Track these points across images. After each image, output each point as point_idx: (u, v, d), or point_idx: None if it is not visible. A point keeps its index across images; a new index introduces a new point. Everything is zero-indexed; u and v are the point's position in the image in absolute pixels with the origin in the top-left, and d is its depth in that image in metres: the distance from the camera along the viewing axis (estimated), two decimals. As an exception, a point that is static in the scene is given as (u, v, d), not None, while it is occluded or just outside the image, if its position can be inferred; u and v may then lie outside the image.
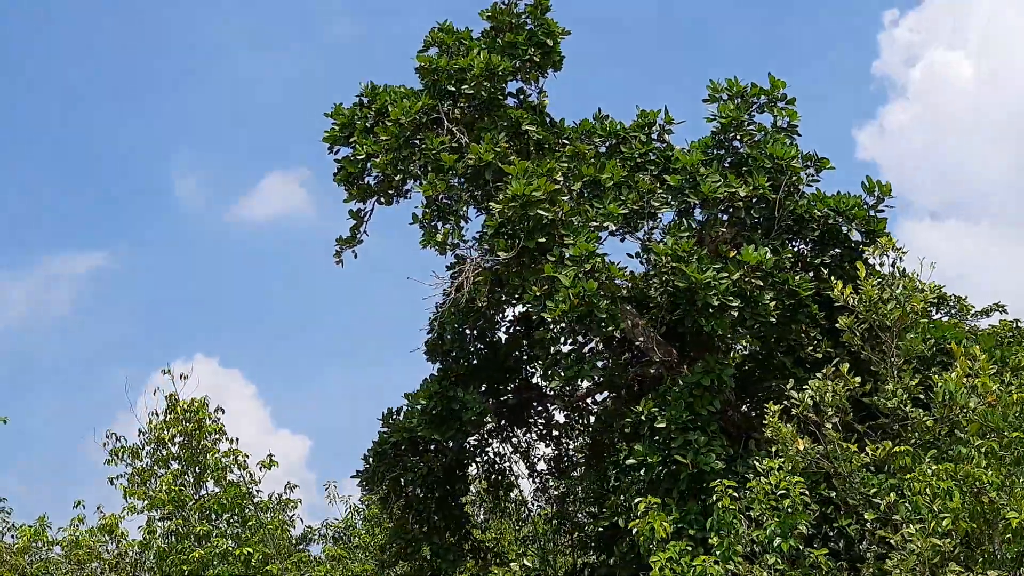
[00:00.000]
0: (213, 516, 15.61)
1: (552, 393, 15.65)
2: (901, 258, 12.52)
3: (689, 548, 10.83)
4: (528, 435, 17.69)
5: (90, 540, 18.83)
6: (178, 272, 50.75)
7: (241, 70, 50.19)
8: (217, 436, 16.65)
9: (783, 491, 10.37)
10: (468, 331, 15.96)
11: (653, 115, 14.89)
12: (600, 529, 14.34)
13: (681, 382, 13.09)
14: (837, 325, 12.58)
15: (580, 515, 17.21)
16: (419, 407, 14.90)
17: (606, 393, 16.03)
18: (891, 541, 9.72)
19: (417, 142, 14.38)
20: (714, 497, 11.21)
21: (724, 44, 47.17)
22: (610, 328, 12.09)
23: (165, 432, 16.38)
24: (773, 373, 13.85)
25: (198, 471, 16.10)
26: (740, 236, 13.64)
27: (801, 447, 10.64)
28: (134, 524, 17.41)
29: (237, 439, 16.64)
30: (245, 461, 16.07)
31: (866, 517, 10.40)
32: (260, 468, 16.42)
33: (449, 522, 16.81)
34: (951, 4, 46.74)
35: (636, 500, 11.48)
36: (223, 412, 16.93)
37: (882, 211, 14.24)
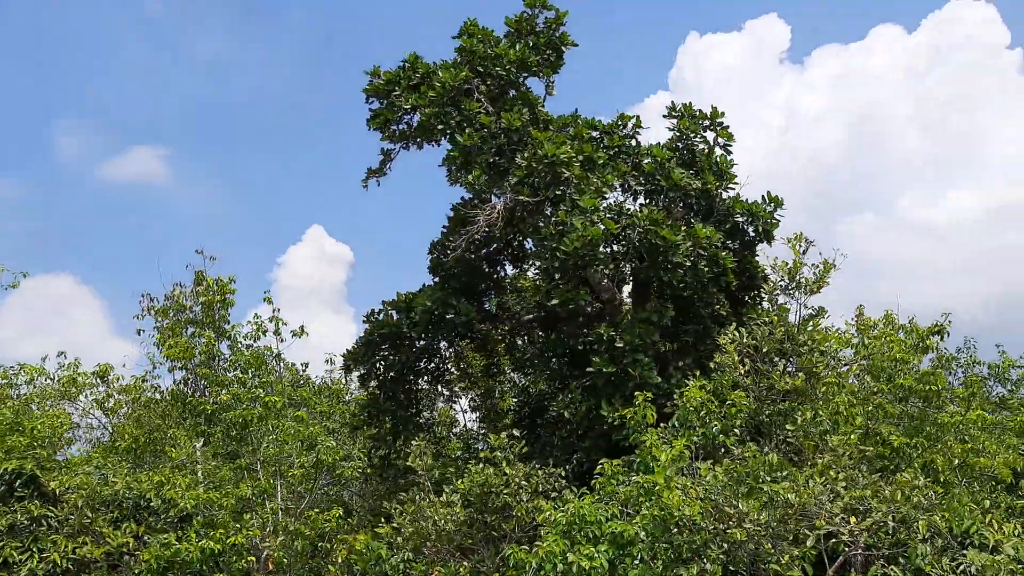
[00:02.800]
0: (238, 370, 18.27)
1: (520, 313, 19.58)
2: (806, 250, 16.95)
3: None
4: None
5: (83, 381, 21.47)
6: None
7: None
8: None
9: (729, 400, 14.49)
10: (471, 255, 19.44)
11: (628, 118, 19.25)
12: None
13: (630, 317, 17.50)
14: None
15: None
16: (422, 308, 18.32)
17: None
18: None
19: (454, 104, 18.00)
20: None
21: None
22: (604, 266, 16.26)
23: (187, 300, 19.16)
24: (692, 320, 18.48)
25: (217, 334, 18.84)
26: (686, 216, 18.26)
27: (743, 369, 15.21)
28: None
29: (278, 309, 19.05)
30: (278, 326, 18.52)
31: (787, 427, 14.79)
32: (292, 335, 18.98)
33: (409, 401, 20.51)
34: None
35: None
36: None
37: (775, 217, 19.30)
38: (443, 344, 20.81)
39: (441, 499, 14.99)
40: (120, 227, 61.68)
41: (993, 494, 15.23)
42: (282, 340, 18.27)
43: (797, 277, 16.11)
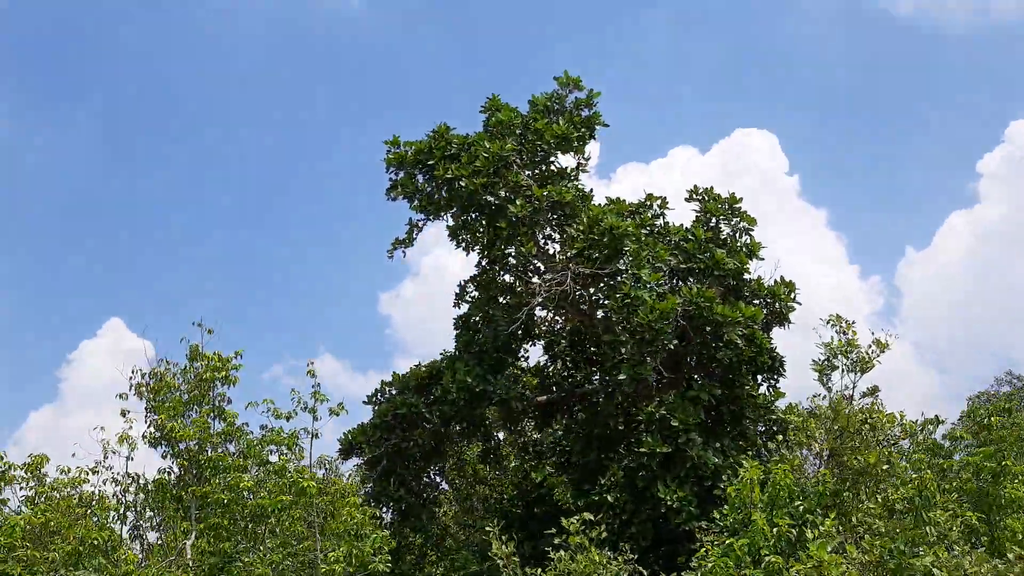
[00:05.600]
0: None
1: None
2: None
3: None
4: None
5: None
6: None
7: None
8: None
9: (815, 479, 14.14)
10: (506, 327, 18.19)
11: (655, 198, 19.16)
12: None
13: (672, 397, 17.00)
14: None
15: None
16: (461, 384, 16.95)
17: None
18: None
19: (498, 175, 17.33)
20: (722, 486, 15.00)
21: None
22: (669, 342, 15.75)
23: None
24: (730, 399, 18.10)
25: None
26: (724, 295, 18.15)
27: (818, 448, 14.93)
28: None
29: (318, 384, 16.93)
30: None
31: (870, 505, 14.41)
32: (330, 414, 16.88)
33: (421, 488, 18.86)
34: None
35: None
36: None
37: (795, 302, 19.43)
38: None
39: (527, 591, 13.57)
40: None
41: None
42: (318, 418, 16.39)
43: (852, 355, 16.22)
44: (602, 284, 16.43)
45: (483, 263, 19.77)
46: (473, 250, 19.68)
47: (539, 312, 17.98)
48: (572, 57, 63.58)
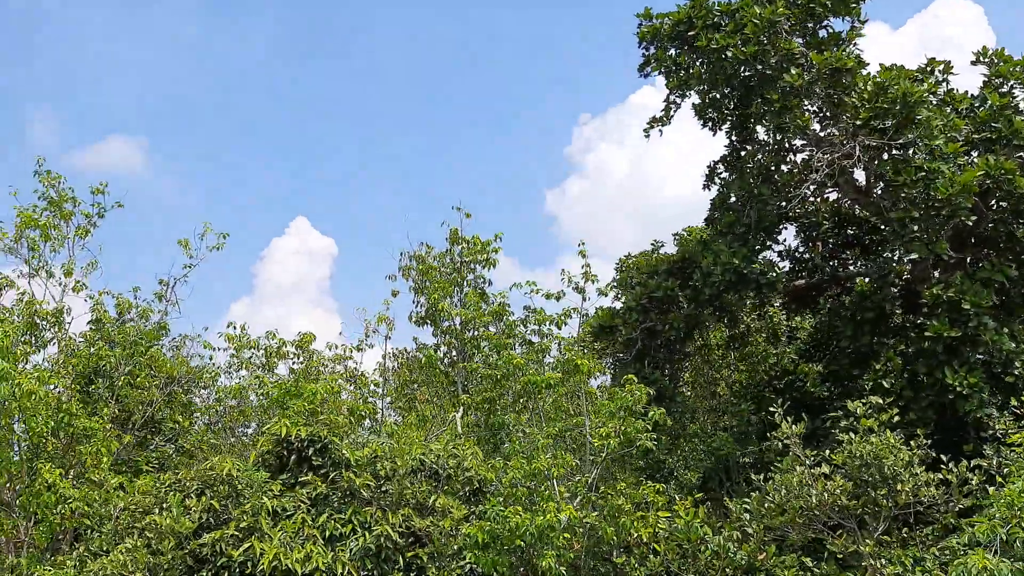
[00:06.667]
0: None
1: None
2: None
3: None
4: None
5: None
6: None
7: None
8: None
9: None
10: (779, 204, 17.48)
11: (937, 63, 17.41)
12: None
13: (958, 278, 15.71)
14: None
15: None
16: (726, 265, 16.47)
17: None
18: None
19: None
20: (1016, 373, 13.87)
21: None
22: (968, 218, 14.47)
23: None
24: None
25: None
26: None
27: None
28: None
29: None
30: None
31: None
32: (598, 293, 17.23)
33: (674, 373, 18.78)
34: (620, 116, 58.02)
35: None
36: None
37: None
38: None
39: (815, 471, 13.28)
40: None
41: None
42: (587, 298, 16.52)
43: None
44: (887, 156, 15.17)
45: (733, 141, 18.91)
46: (721, 128, 18.82)
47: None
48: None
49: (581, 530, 14.36)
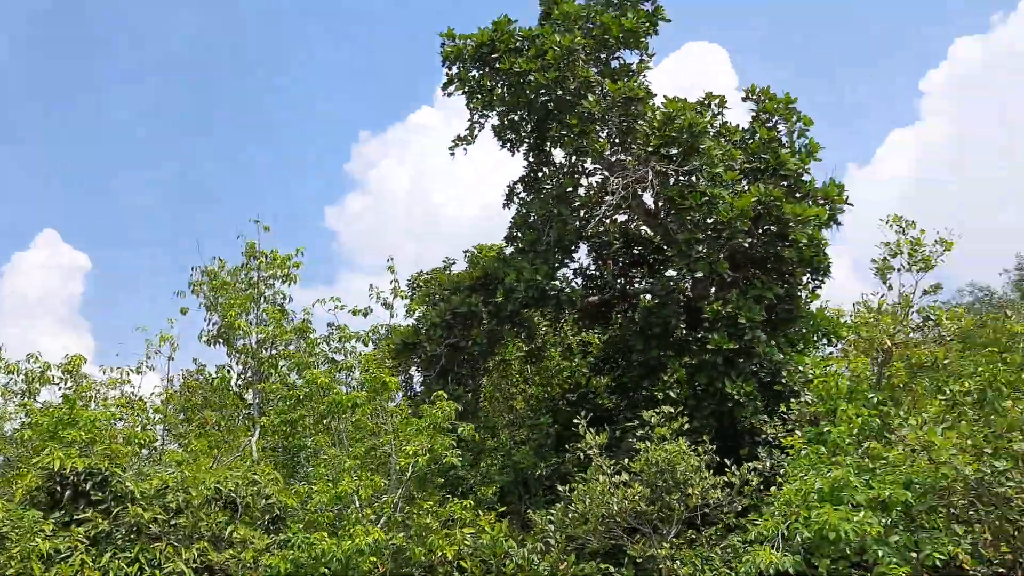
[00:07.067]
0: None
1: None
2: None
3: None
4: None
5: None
6: None
7: None
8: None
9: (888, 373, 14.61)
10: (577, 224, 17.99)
11: (713, 97, 18.91)
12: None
13: (734, 295, 17.14)
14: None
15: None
16: (528, 282, 16.89)
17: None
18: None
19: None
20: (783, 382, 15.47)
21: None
22: (744, 240, 15.79)
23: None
24: (786, 298, 18.26)
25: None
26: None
27: (888, 343, 15.24)
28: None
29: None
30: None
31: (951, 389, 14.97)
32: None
33: (476, 388, 18.96)
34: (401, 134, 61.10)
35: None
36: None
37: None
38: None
39: (616, 479, 13.86)
40: None
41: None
42: (394, 315, 16.24)
43: (918, 255, 16.44)
44: (673, 182, 16.26)
45: (531, 162, 19.52)
46: (519, 150, 19.38)
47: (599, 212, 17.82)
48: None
49: (388, 552, 14.09)
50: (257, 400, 16.69)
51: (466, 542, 14.50)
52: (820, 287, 18.96)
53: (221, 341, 17.00)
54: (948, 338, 16.76)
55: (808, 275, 18.73)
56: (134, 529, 12.78)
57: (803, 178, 18.20)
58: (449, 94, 17.94)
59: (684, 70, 52.91)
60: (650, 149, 16.04)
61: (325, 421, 15.50)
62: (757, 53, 62.95)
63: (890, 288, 17.22)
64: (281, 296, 17.09)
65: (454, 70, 17.95)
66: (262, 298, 17.01)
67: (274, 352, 16.66)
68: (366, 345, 16.65)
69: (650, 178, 15.83)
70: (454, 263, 22.77)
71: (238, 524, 13.42)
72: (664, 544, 13.66)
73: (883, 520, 11.25)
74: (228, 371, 17.33)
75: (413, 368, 19.08)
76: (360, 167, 64.06)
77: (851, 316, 18.99)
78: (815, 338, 20.25)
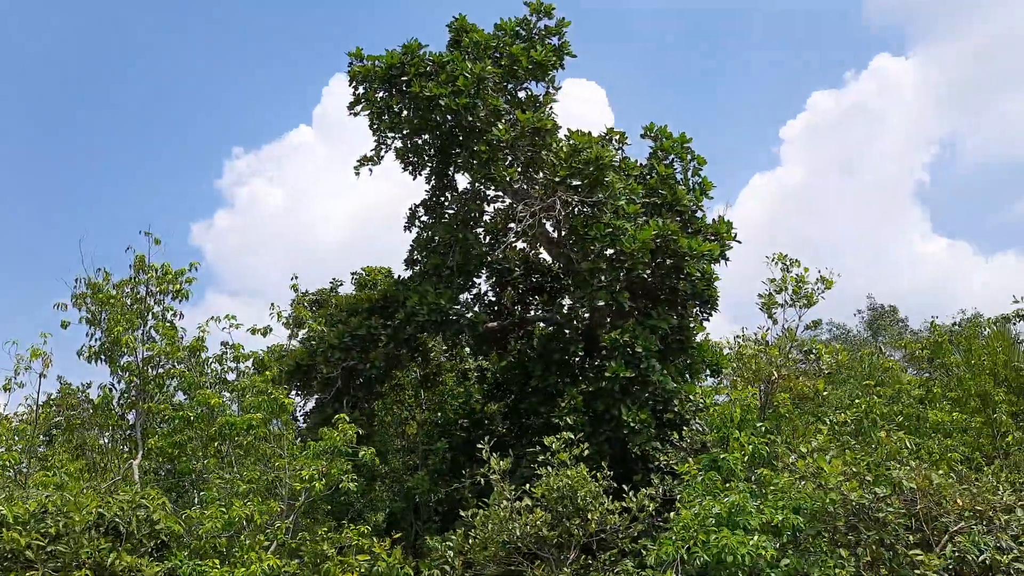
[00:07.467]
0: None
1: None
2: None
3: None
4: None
5: None
6: None
7: None
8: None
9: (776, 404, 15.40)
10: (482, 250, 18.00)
11: (614, 133, 19.53)
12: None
13: (630, 325, 17.65)
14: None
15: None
16: (431, 306, 16.87)
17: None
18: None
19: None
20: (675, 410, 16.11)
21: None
22: (644, 271, 16.30)
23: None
24: (679, 329, 18.93)
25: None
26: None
27: (776, 375, 16.00)
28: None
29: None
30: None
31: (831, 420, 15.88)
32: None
33: (372, 412, 18.68)
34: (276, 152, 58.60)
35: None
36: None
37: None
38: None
39: (519, 504, 13.92)
40: None
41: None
42: (296, 335, 15.76)
43: (802, 292, 17.40)
44: (578, 212, 16.65)
45: (434, 186, 19.58)
46: (421, 173, 19.42)
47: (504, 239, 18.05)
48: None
49: (280, 580, 13.62)
50: (140, 421, 15.86)
51: (361, 569, 14.22)
52: (708, 319, 19.79)
53: (104, 358, 16.08)
54: (827, 371, 17.77)
55: (698, 307, 19.53)
56: (8, 556, 11.87)
57: (696, 214, 19.01)
58: (355, 114, 17.79)
59: (565, 108, 54.62)
60: (556, 179, 16.37)
61: (216, 444, 14.89)
62: (633, 94, 65.58)
63: (775, 322, 18.17)
64: (171, 312, 16.36)
65: (360, 90, 17.82)
66: (150, 314, 16.22)
67: (161, 371, 15.89)
68: (265, 366, 16.08)
69: (558, 207, 16.13)
70: (341, 284, 22.52)
71: (122, 552, 12.68)
72: (565, 569, 13.79)
73: (775, 544, 11.76)
74: (111, 390, 16.41)
75: (302, 391, 18.61)
76: (231, 183, 62.15)
77: (731, 349, 19.89)
78: (701, 368, 21.08)
